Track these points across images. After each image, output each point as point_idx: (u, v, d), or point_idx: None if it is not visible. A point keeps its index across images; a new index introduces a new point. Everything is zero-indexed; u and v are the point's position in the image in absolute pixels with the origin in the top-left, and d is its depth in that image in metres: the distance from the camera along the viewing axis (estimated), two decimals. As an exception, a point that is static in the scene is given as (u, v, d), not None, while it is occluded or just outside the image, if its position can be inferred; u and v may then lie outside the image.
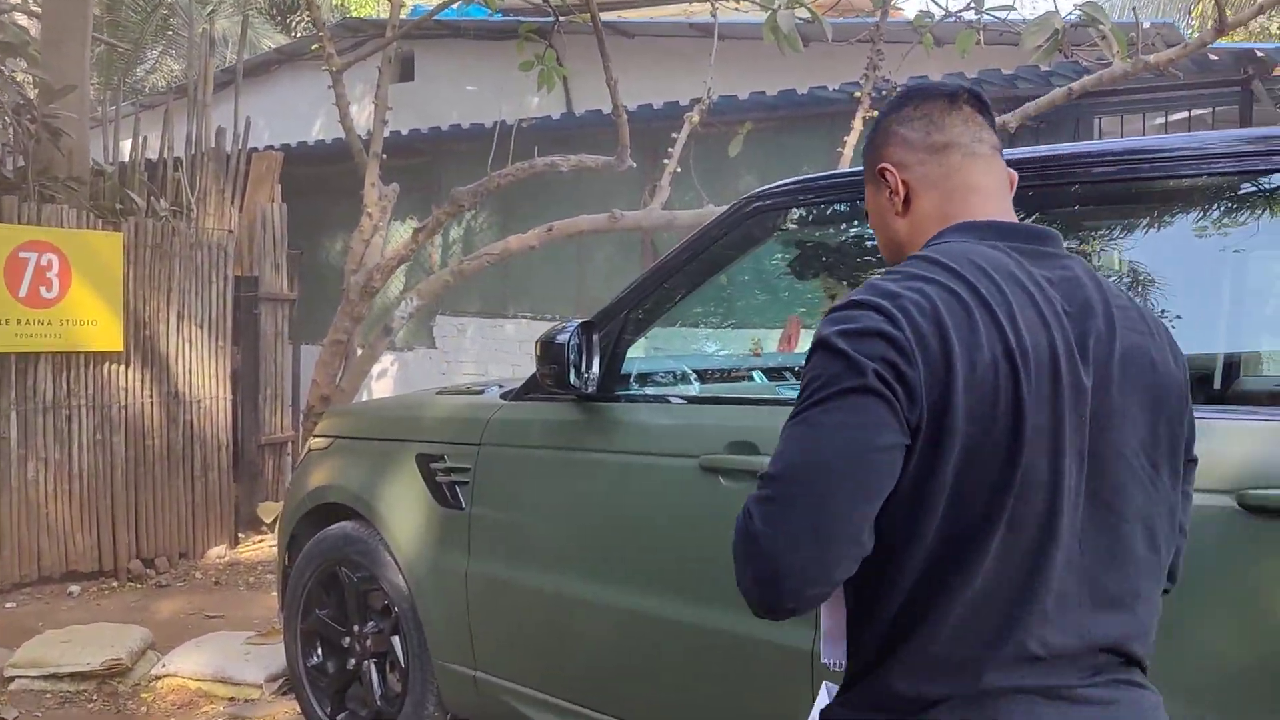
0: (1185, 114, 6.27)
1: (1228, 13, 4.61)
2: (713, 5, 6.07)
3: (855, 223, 2.75)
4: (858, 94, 5.49)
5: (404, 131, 7.92)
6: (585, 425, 2.78)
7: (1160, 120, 6.51)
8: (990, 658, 1.15)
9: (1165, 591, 1.31)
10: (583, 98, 8.63)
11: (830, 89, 6.42)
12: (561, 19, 6.15)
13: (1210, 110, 5.92)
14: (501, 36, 9.91)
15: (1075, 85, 5.08)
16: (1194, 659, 1.74)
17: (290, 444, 7.11)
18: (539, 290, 7.52)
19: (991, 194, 1.34)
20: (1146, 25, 5.65)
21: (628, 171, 6.70)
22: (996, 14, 6.02)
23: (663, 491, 2.55)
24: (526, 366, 7.71)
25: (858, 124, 5.48)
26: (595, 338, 2.74)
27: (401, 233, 8.16)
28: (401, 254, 6.09)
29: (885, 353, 1.12)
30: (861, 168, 1.49)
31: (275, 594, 5.57)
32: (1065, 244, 1.32)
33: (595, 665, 2.71)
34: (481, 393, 3.35)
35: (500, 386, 3.35)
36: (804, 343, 6.70)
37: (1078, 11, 5.33)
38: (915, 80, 6.24)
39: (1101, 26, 5.22)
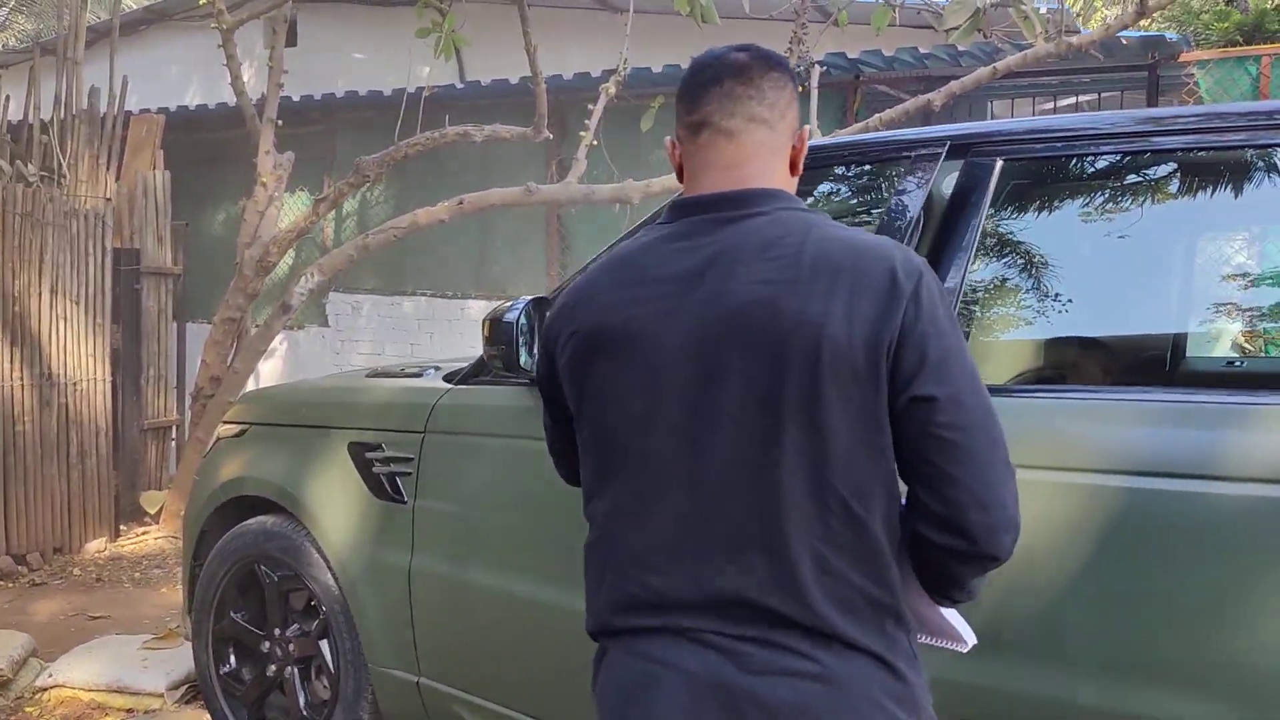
0: (1094, 96, 6.39)
1: (1149, -3, 4.66)
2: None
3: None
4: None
5: (295, 98, 7.48)
6: (537, 412, 2.58)
7: (1069, 102, 6.61)
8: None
9: (969, 554, 1.25)
10: (475, 69, 8.32)
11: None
12: (460, -15, 5.82)
13: (1119, 93, 6.02)
14: (389, 2, 9.52)
15: (1000, 65, 5.08)
16: (1253, 659, 1.64)
17: (175, 429, 6.66)
18: (439, 266, 7.22)
19: (723, 168, 1.38)
20: (1042, 8, 5.69)
21: (531, 144, 6.47)
22: (916, -8, 6.01)
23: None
24: (425, 346, 7.42)
25: (782, 99, 5.35)
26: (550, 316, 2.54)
27: (294, 205, 7.73)
28: (300, 226, 5.73)
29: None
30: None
31: (164, 590, 5.20)
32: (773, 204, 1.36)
33: (556, 673, 2.51)
34: (420, 375, 3.11)
35: (438, 369, 3.12)
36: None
37: (999, -9, 5.35)
38: (831, 56, 6.22)
39: (1023, 7, 5.24)
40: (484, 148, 7.03)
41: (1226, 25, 7.27)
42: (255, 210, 5.83)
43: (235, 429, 3.41)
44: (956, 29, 5.19)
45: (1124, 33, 5.34)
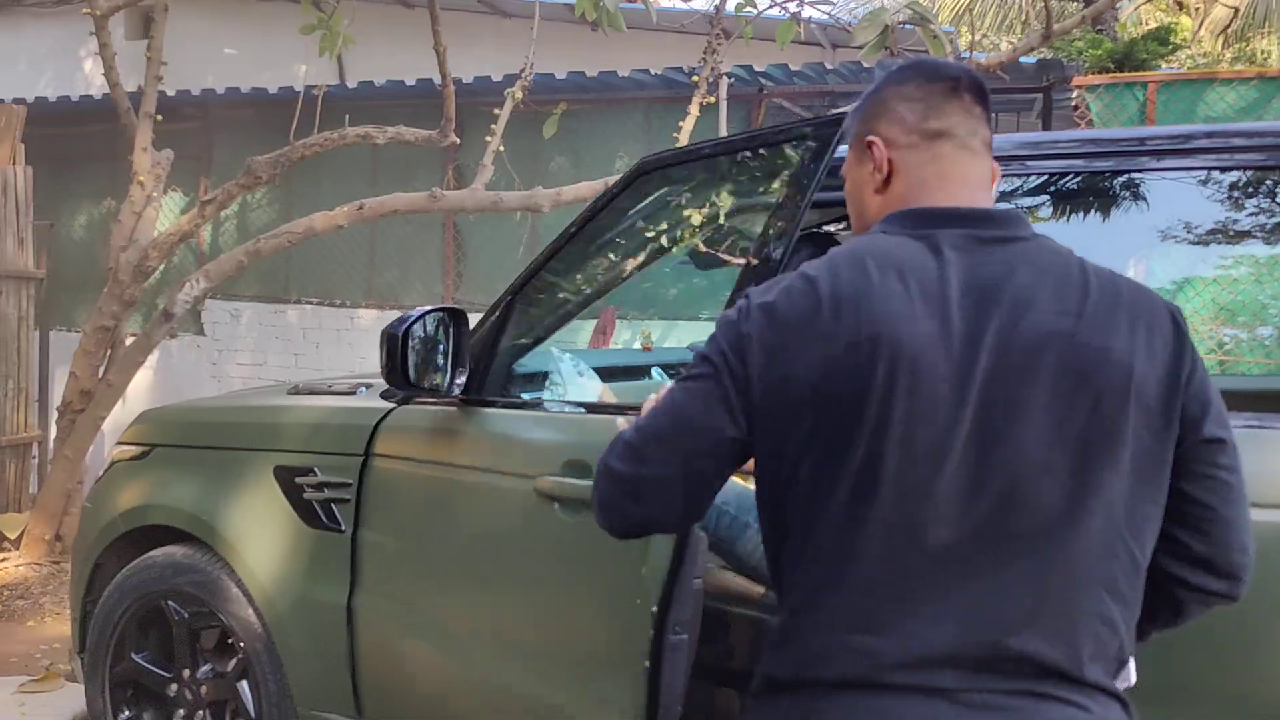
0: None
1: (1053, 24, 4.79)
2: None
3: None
4: (696, 78, 5.33)
5: (171, 93, 7.05)
6: (456, 435, 2.44)
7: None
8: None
9: (1224, 594, 1.26)
10: (356, 70, 8.00)
11: (651, 73, 6.22)
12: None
13: (1015, 115, 6.19)
14: (264, -2, 9.11)
15: (911, 83, 5.13)
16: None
17: (37, 445, 6.15)
18: (326, 273, 6.89)
19: (965, 184, 1.32)
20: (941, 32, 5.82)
21: (425, 149, 6.24)
22: (820, 8, 6.05)
23: (502, 515, 2.29)
24: (311, 357, 7.07)
25: (694, 109, 5.31)
26: (463, 329, 2.39)
27: (169, 207, 7.27)
28: (184, 230, 5.37)
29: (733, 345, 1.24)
30: None
31: (31, 624, 4.77)
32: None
33: (521, 715, 2.35)
34: (353, 393, 2.89)
35: (369, 386, 2.91)
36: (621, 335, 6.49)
37: (908, 11, 5.42)
38: (891, 64, 6.17)
39: (932, 27, 5.32)
40: (375, 151, 6.77)
41: (1100, 53, 7.58)
42: (132, 211, 5.43)
43: (135, 451, 3.11)
44: (869, 44, 5.23)
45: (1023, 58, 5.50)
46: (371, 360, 6.76)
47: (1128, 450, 1.18)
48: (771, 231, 2.02)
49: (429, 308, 2.33)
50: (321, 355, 7.02)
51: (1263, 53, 12.21)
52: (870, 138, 1.35)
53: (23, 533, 5.57)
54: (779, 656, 1.25)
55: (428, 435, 2.52)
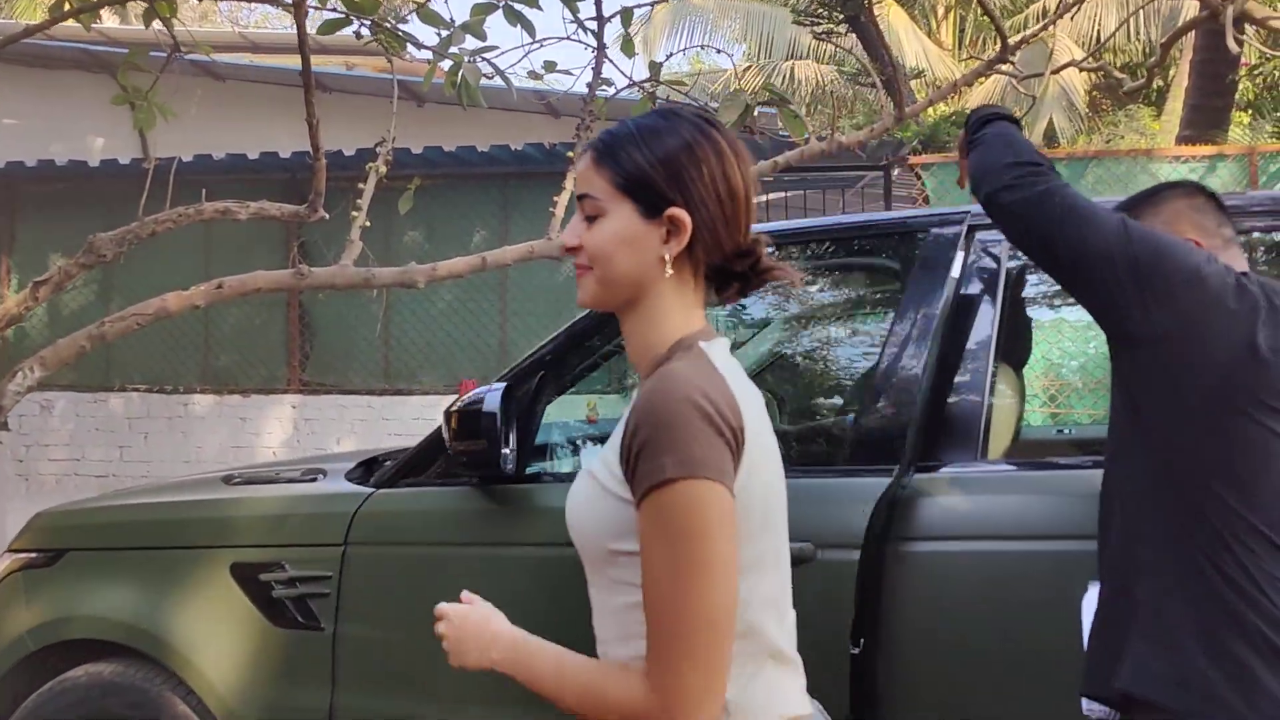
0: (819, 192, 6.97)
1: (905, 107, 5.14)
2: (388, 55, 5.60)
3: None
4: (570, 154, 5.36)
5: None
6: (505, 513, 2.32)
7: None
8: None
9: None
10: (162, 143, 7.55)
11: (513, 148, 6.22)
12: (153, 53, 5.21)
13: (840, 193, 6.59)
14: (54, 66, 8.50)
15: (780, 159, 5.36)
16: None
17: None
18: (155, 356, 6.38)
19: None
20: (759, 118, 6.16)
21: (267, 225, 5.96)
22: (677, 88, 6.25)
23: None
24: (140, 448, 6.49)
25: (569, 183, 5.33)
26: (512, 405, 2.31)
27: (-35, 289, 6.59)
28: (12, 313, 4.83)
29: None
30: None
31: None
32: None
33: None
34: (308, 479, 2.69)
35: (323, 473, 2.72)
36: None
37: (765, 93, 5.69)
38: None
39: (791, 107, 5.60)
40: (207, 227, 6.41)
41: (909, 133, 8.19)
42: (-55, 294, 4.87)
43: (36, 558, 2.76)
44: (730, 124, 5.44)
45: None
46: (209, 448, 6.30)
47: None
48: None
49: (496, 385, 2.22)
50: (151, 447, 6.46)
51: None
52: (1191, 237, 1.65)
53: None
54: None
55: (437, 517, 2.38)
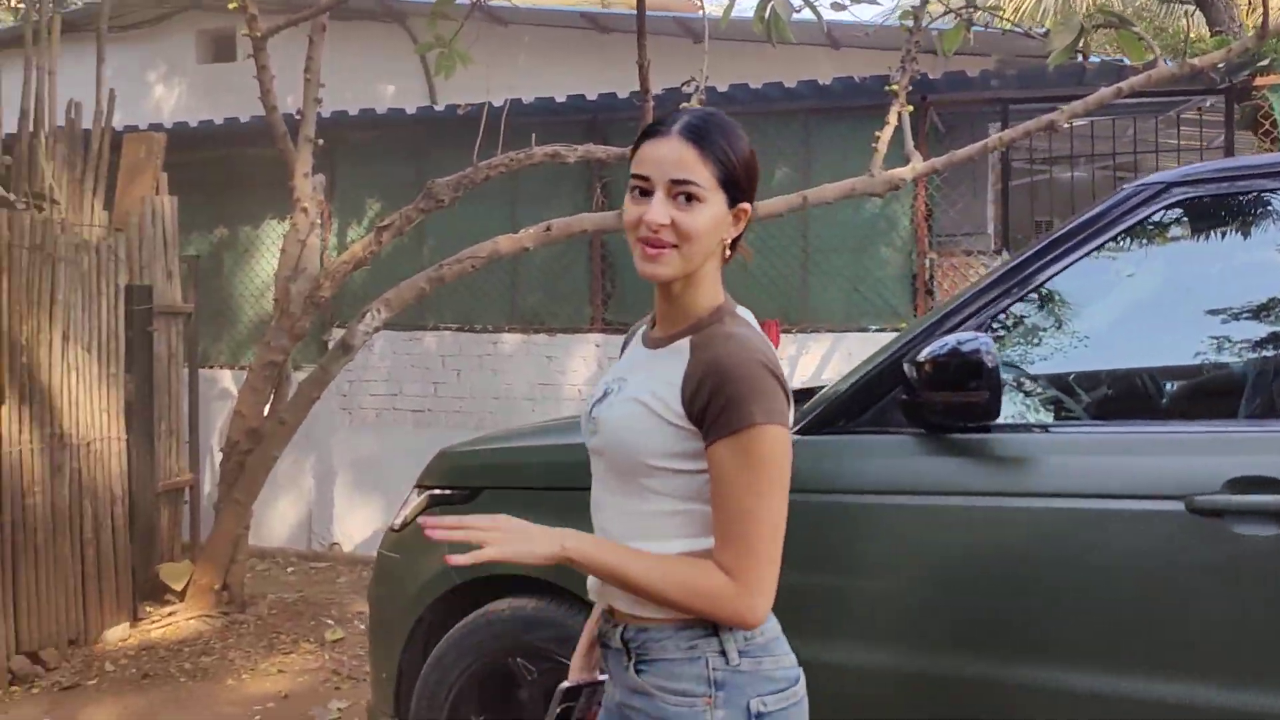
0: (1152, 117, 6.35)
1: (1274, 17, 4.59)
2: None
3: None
4: (894, 87, 5.10)
5: (244, 118, 6.82)
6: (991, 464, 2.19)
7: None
8: None
9: None
10: (445, 90, 7.74)
11: (820, 82, 5.99)
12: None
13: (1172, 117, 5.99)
14: (347, 17, 8.86)
15: (1124, 85, 4.92)
16: None
17: (190, 490, 5.86)
18: (465, 296, 6.59)
19: None
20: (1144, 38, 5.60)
21: (564, 168, 5.99)
22: (994, 13, 5.84)
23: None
24: (452, 385, 6.77)
25: (892, 118, 5.08)
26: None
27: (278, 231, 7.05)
28: (358, 256, 5.10)
29: None
30: None
31: (230, 683, 4.47)
32: None
33: None
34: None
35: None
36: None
37: (1100, 15, 5.21)
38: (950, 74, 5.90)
39: (1135, 28, 5.10)
40: (514, 173, 6.52)
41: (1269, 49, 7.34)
42: (296, 239, 5.17)
43: (453, 494, 2.84)
44: (1063, 49, 5.01)
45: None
46: (517, 385, 6.49)
47: None
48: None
49: (970, 334, 2.14)
50: (464, 383, 6.73)
51: None
52: None
53: (188, 583, 5.28)
54: None
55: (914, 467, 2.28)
